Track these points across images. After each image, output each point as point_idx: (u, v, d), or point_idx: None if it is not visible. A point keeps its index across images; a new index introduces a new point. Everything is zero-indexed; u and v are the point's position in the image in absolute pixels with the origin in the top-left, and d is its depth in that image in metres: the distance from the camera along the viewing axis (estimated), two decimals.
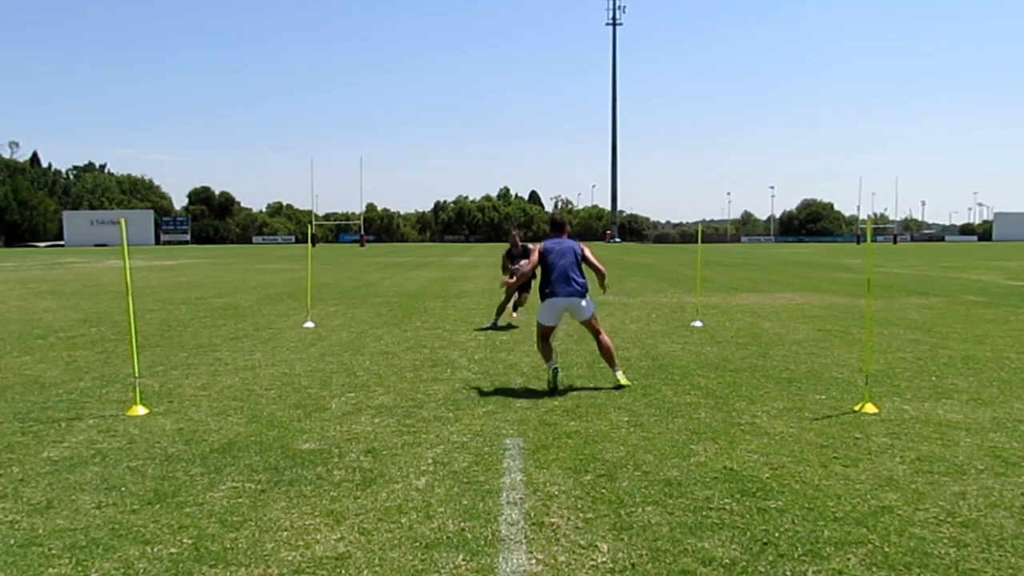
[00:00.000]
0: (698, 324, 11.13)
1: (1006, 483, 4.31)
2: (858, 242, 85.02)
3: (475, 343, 9.58)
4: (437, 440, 5.22)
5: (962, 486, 4.26)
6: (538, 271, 7.47)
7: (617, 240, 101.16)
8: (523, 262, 9.12)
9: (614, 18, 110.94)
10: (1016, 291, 17.35)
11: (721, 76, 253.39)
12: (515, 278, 8.54)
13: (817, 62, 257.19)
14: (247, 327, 11.25)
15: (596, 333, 7.21)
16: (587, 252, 7.34)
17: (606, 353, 7.14)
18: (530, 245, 9.05)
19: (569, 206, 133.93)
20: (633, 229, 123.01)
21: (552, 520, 3.81)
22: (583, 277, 7.13)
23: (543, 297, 7.20)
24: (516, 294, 11.30)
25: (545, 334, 7.21)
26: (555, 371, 6.80)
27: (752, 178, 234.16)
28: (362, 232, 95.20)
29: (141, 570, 3.30)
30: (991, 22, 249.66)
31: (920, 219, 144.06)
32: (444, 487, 4.29)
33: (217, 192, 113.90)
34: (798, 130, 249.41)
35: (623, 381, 6.93)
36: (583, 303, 7.08)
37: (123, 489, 4.29)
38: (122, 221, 6.84)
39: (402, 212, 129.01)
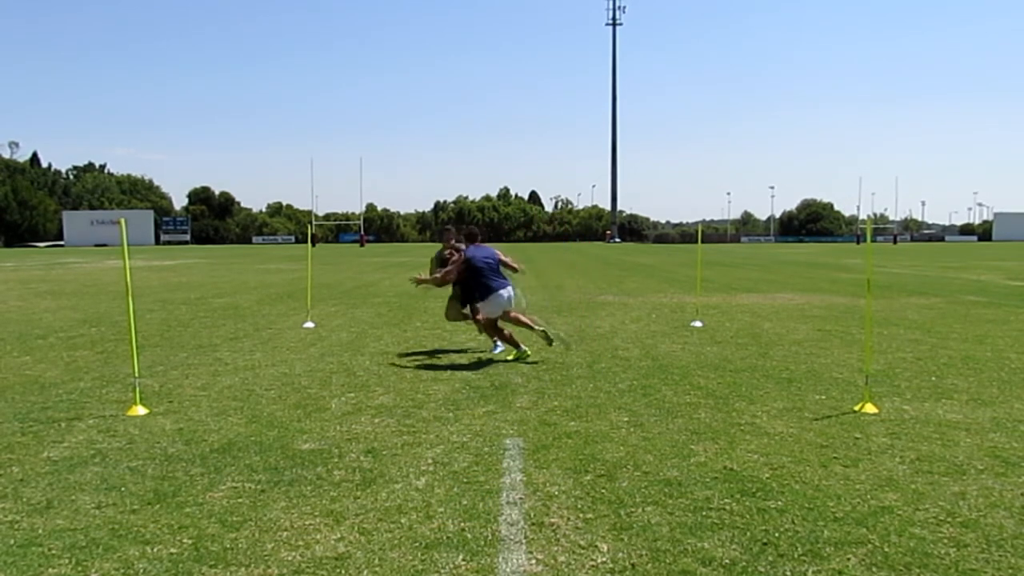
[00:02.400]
0: (698, 324, 11.13)
1: (1006, 483, 4.31)
2: (858, 242, 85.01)
3: (475, 343, 9.58)
4: (437, 440, 5.22)
5: (962, 486, 4.26)
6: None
7: (617, 240, 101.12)
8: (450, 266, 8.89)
9: (614, 18, 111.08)
10: (1016, 291, 17.35)
11: (721, 76, 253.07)
12: (435, 277, 8.68)
13: (817, 62, 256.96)
14: (247, 327, 11.25)
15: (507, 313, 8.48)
16: (501, 256, 8.69)
17: (519, 321, 8.46)
18: (461, 245, 9.03)
19: (569, 206, 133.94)
20: (633, 229, 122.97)
21: (552, 520, 3.81)
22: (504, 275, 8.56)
23: (487, 293, 8.33)
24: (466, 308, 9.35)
25: (492, 323, 8.43)
26: (524, 352, 8.29)
27: (752, 178, 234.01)
28: (362, 232, 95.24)
29: (141, 570, 3.30)
30: (991, 22, 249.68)
31: (920, 219, 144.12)
32: (444, 487, 4.29)
33: (217, 192, 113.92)
34: (798, 130, 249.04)
35: (509, 357, 8.35)
36: (515, 293, 8.48)
37: (123, 489, 4.29)
38: (122, 221, 6.84)
39: (402, 212, 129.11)
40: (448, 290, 9.49)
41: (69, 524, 3.80)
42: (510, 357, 8.41)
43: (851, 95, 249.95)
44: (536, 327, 8.66)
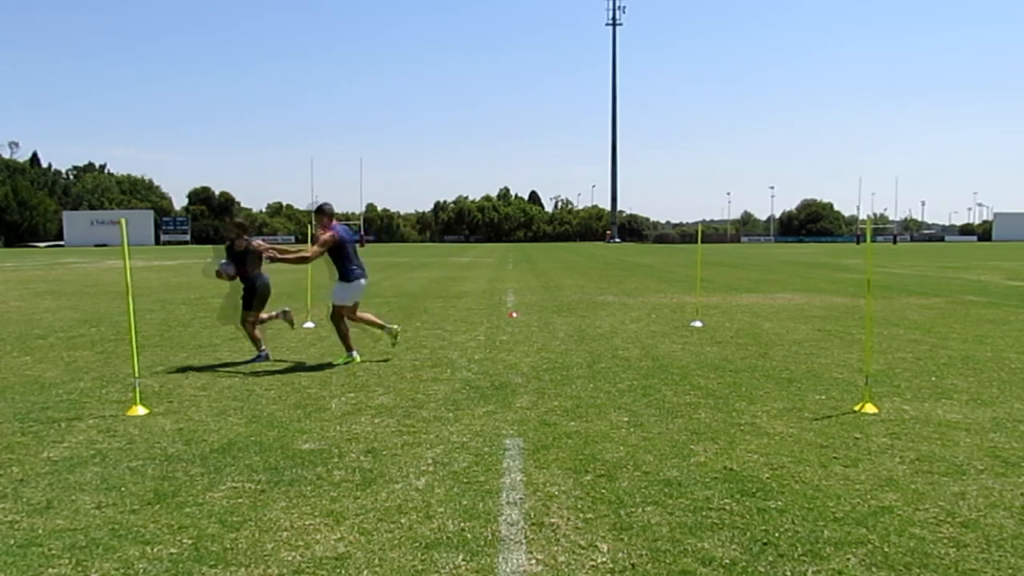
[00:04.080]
0: (698, 324, 11.13)
1: (1006, 483, 4.31)
2: (858, 242, 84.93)
3: (475, 343, 9.58)
4: (437, 440, 5.22)
5: (962, 486, 4.27)
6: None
7: (617, 240, 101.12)
8: (303, 249, 8.22)
9: (614, 18, 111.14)
10: (1016, 291, 17.35)
11: (721, 76, 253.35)
12: (301, 255, 8.23)
13: (817, 62, 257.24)
14: None
15: (355, 309, 8.30)
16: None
17: (370, 321, 8.42)
18: (258, 241, 8.53)
19: (569, 206, 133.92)
20: (633, 229, 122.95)
21: (552, 520, 3.81)
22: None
23: (351, 278, 8.08)
24: (248, 312, 8.72)
25: (346, 315, 8.14)
26: (353, 357, 8.15)
27: (752, 178, 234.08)
28: (362, 232, 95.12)
29: (141, 570, 3.31)
30: (991, 23, 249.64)
31: (920, 219, 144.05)
32: (444, 487, 4.29)
33: (217, 192, 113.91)
34: (798, 130, 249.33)
35: (397, 328, 8.62)
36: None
37: (123, 489, 4.29)
38: (122, 221, 6.83)
39: (402, 212, 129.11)
40: (228, 288, 8.88)
41: (69, 524, 3.80)
42: (339, 361, 8.20)
43: (851, 95, 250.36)
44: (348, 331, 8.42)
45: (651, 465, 4.65)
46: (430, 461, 4.76)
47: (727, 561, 3.36)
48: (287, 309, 9.12)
